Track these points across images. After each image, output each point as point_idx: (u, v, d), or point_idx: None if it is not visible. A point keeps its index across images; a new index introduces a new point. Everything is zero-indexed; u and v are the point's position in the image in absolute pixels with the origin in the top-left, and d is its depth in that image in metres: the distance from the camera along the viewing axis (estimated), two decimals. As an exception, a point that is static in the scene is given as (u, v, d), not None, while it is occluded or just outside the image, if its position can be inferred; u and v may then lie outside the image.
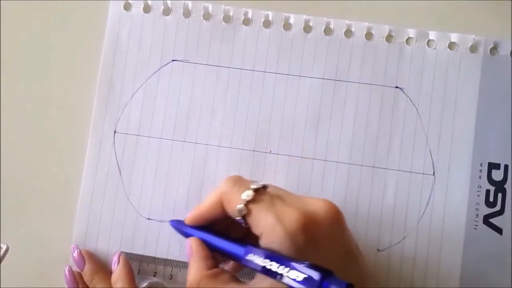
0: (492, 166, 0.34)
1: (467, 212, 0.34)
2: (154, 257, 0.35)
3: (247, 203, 0.26)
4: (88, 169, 0.35)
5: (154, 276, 0.35)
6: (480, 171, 0.34)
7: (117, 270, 0.33)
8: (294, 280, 0.22)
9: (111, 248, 0.35)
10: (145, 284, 0.34)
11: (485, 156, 0.34)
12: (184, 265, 0.34)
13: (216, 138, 0.35)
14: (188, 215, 0.30)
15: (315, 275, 0.22)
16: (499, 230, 0.34)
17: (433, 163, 0.34)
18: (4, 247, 0.31)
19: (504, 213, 0.34)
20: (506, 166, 0.34)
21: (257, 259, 0.25)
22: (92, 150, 0.35)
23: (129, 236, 0.35)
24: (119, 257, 0.34)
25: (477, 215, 0.34)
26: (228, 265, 0.31)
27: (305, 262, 0.23)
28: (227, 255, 0.28)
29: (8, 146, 0.36)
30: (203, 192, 0.35)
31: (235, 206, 0.27)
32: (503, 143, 0.34)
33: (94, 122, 0.36)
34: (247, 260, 0.26)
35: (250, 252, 0.26)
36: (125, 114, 0.36)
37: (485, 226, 0.34)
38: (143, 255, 0.35)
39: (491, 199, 0.34)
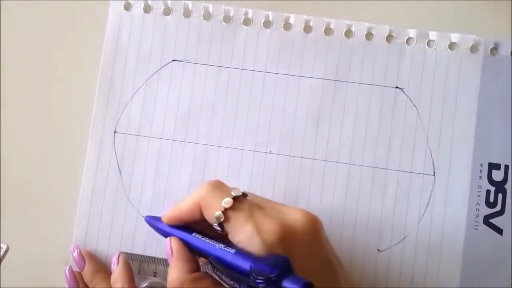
0: (493, 166, 0.34)
1: (467, 213, 0.34)
2: (154, 257, 0.35)
3: (226, 210, 0.26)
4: (88, 169, 0.35)
5: (154, 276, 0.35)
6: (481, 171, 0.34)
7: (117, 270, 0.33)
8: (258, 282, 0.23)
9: (111, 248, 0.35)
10: (145, 284, 0.34)
11: (486, 156, 0.34)
12: (184, 265, 0.34)
13: (216, 138, 0.35)
14: (166, 214, 0.30)
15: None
16: (499, 231, 0.34)
17: (433, 164, 0.34)
18: (4, 247, 0.31)
19: (504, 214, 0.34)
20: (506, 167, 0.34)
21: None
22: (92, 150, 0.35)
23: (129, 236, 0.35)
24: (118, 257, 0.34)
25: (478, 215, 0.34)
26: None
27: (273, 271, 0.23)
28: (204, 257, 0.28)
29: (8, 146, 0.36)
30: (203, 192, 0.35)
31: (213, 212, 0.26)
32: (503, 144, 0.34)
33: (94, 122, 0.36)
34: (215, 272, 0.26)
35: (215, 268, 0.25)
36: (125, 114, 0.36)
37: (485, 227, 0.34)
38: (143, 255, 0.35)
39: (492, 200, 0.34)
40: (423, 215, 0.34)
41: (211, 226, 0.27)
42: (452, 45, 0.35)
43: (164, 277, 0.34)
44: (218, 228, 0.26)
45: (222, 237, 0.27)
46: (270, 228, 0.25)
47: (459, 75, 0.35)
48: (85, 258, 0.34)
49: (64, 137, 0.36)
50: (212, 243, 0.27)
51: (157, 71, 0.36)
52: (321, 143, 0.35)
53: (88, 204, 0.35)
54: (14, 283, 0.35)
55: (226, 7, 0.36)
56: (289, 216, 0.26)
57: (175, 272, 0.27)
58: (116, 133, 0.36)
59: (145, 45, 0.36)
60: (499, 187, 0.34)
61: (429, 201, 0.34)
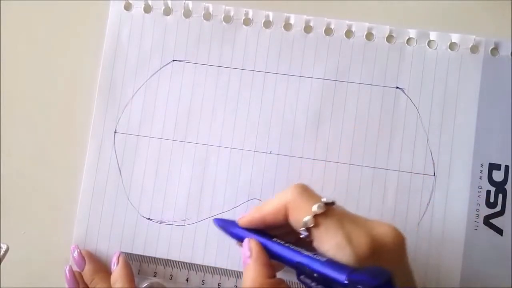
0: (493, 166, 0.34)
1: (467, 213, 0.34)
2: (154, 258, 0.35)
3: (316, 216, 0.25)
4: (88, 169, 0.35)
5: (154, 276, 0.35)
6: (481, 171, 0.34)
7: (117, 270, 0.33)
8: None
9: (111, 248, 0.35)
10: (145, 284, 0.34)
11: (486, 156, 0.34)
12: (183, 265, 0.34)
13: (217, 138, 0.35)
14: (245, 216, 0.29)
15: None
16: (499, 231, 0.34)
17: (433, 164, 0.34)
18: (4, 247, 0.31)
19: (505, 214, 0.34)
20: (506, 167, 0.34)
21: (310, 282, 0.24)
22: (92, 150, 0.35)
23: (129, 236, 0.35)
24: (118, 257, 0.34)
25: (478, 215, 0.34)
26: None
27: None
28: (285, 262, 0.27)
29: (8, 146, 0.36)
30: (203, 192, 0.35)
31: (301, 217, 0.26)
32: (503, 144, 0.34)
33: (95, 122, 0.36)
34: (300, 279, 0.25)
35: (303, 273, 0.25)
36: (126, 114, 0.36)
37: (486, 227, 0.34)
38: (143, 256, 0.35)
39: (492, 200, 0.34)
40: (423, 215, 0.34)
41: (289, 233, 0.27)
42: (452, 45, 0.35)
43: (164, 277, 0.34)
44: (305, 233, 0.26)
45: (302, 245, 0.27)
46: (361, 240, 0.24)
47: (460, 75, 0.35)
48: (85, 258, 0.34)
49: (64, 137, 0.36)
50: (298, 250, 0.26)
51: (157, 71, 0.36)
52: (321, 143, 0.35)
53: (88, 204, 0.35)
54: (14, 283, 0.35)
55: (227, 7, 0.36)
56: (378, 230, 0.25)
57: (254, 275, 0.26)
58: (116, 133, 0.36)
59: (145, 45, 0.36)
60: (499, 187, 0.34)
61: (429, 201, 0.34)
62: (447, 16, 0.36)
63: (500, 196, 0.34)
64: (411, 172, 0.34)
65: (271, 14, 0.36)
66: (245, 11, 0.36)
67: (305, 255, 0.25)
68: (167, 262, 0.35)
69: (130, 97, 0.36)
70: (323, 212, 0.25)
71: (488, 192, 0.34)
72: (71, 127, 0.36)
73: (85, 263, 0.34)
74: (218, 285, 0.34)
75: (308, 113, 0.35)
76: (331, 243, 0.25)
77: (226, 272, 0.34)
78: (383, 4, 0.36)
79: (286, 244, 0.27)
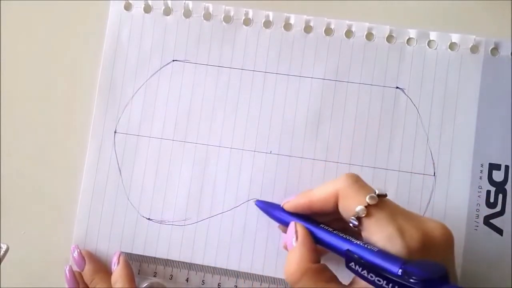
0: (493, 167, 0.34)
1: (467, 213, 0.34)
2: (154, 258, 0.35)
3: (368, 206, 0.26)
4: (88, 169, 0.35)
5: (154, 276, 0.35)
6: (481, 171, 0.34)
7: (117, 270, 0.33)
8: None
9: (111, 248, 0.35)
10: (145, 284, 0.34)
11: (486, 156, 0.34)
12: (183, 265, 0.34)
13: (217, 139, 0.35)
14: (291, 201, 0.29)
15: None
16: (499, 231, 0.34)
17: (433, 164, 0.34)
18: (4, 247, 0.31)
19: (505, 214, 0.34)
20: (506, 167, 0.34)
21: (360, 270, 0.24)
22: (92, 150, 0.35)
23: (129, 236, 0.35)
24: (119, 257, 0.34)
25: (478, 216, 0.34)
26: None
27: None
28: (330, 249, 0.27)
29: (8, 146, 0.36)
30: (203, 192, 0.35)
31: (353, 206, 0.26)
32: (503, 144, 0.34)
33: (95, 122, 0.36)
34: (350, 266, 0.25)
35: (353, 261, 0.25)
36: (126, 114, 0.36)
37: (486, 227, 0.34)
38: (143, 255, 0.35)
39: (492, 200, 0.34)
40: (423, 215, 0.34)
41: (332, 221, 0.27)
42: (452, 45, 0.35)
43: (164, 277, 0.34)
44: (355, 223, 0.26)
45: (347, 233, 0.27)
46: (412, 233, 0.25)
47: (460, 75, 0.35)
48: (85, 258, 0.34)
49: (65, 137, 0.36)
50: (347, 238, 0.26)
51: (157, 71, 0.36)
52: (321, 143, 0.35)
53: (88, 204, 0.35)
54: (14, 283, 0.35)
55: (227, 7, 0.36)
56: (429, 225, 0.26)
57: (299, 259, 0.26)
58: (116, 133, 0.36)
59: (145, 45, 0.36)
60: (500, 187, 0.34)
61: (429, 201, 0.34)
62: (447, 16, 0.36)
63: (500, 196, 0.34)
64: (411, 172, 0.34)
65: (271, 14, 0.36)
66: (245, 11, 0.36)
67: (356, 243, 0.26)
68: (167, 262, 0.35)
69: (130, 97, 0.36)
70: (376, 203, 0.26)
71: (488, 192, 0.34)
72: (71, 127, 0.36)
73: (85, 263, 0.34)
74: (218, 285, 0.34)
75: (308, 113, 0.35)
76: (382, 235, 0.25)
77: (226, 272, 0.34)
78: (383, 4, 0.36)
79: (335, 232, 0.27)
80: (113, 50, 0.36)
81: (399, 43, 0.35)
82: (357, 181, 0.27)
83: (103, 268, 0.34)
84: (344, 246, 0.26)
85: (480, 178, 0.34)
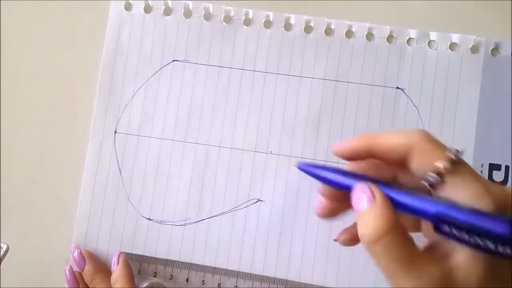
0: (493, 167, 0.34)
1: (467, 213, 0.34)
2: (154, 258, 0.35)
3: (452, 162, 0.22)
4: (88, 169, 0.35)
5: (154, 276, 0.35)
6: (481, 171, 0.34)
7: (117, 270, 0.33)
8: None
9: (111, 248, 0.35)
10: (145, 284, 0.34)
11: (486, 157, 0.34)
12: (183, 265, 0.34)
13: (217, 139, 0.35)
14: (344, 143, 0.25)
15: None
16: (500, 231, 0.34)
17: (434, 164, 0.34)
18: (4, 247, 0.31)
19: (505, 214, 0.34)
20: (507, 167, 0.34)
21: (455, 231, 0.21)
22: (92, 150, 0.35)
23: (130, 236, 0.35)
24: (118, 257, 0.34)
25: (478, 216, 0.34)
26: None
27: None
28: (408, 213, 0.23)
29: (8, 146, 0.36)
30: (203, 192, 0.35)
31: (432, 161, 0.23)
32: (504, 144, 0.34)
33: (95, 122, 0.36)
34: (442, 229, 0.21)
35: (447, 223, 0.21)
36: (126, 114, 0.36)
37: (486, 227, 0.34)
38: (143, 256, 0.35)
39: (492, 200, 0.34)
40: (423, 215, 0.34)
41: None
42: (452, 46, 0.35)
43: (164, 277, 0.34)
44: (434, 180, 0.23)
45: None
46: (499, 192, 0.22)
47: (460, 75, 0.35)
48: (85, 258, 0.34)
49: (65, 137, 0.36)
50: (430, 198, 0.22)
51: (157, 71, 0.36)
52: (322, 143, 0.35)
53: (88, 204, 0.35)
54: (14, 283, 0.35)
55: (227, 7, 0.36)
56: (508, 188, 0.23)
57: (379, 223, 0.22)
58: (116, 133, 0.36)
59: (145, 45, 0.36)
60: (500, 187, 0.34)
61: (429, 201, 0.34)
62: (447, 16, 0.36)
63: (501, 196, 0.34)
64: (411, 172, 0.34)
65: (271, 14, 0.36)
66: (245, 11, 0.36)
67: (444, 204, 0.22)
68: (167, 262, 0.35)
69: (131, 97, 0.36)
70: (459, 161, 0.23)
71: (489, 192, 0.34)
72: (71, 127, 0.36)
73: (85, 263, 0.34)
74: (218, 285, 0.34)
75: (308, 113, 0.35)
76: (468, 193, 0.22)
77: (226, 272, 0.34)
78: (383, 4, 0.36)
79: (413, 191, 0.23)
80: (113, 50, 0.36)
81: (399, 43, 0.35)
82: (433, 137, 0.24)
83: (103, 268, 0.34)
84: (433, 207, 0.22)
85: (480, 178, 0.34)
